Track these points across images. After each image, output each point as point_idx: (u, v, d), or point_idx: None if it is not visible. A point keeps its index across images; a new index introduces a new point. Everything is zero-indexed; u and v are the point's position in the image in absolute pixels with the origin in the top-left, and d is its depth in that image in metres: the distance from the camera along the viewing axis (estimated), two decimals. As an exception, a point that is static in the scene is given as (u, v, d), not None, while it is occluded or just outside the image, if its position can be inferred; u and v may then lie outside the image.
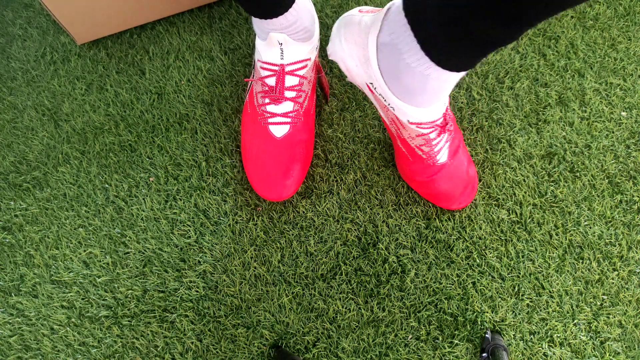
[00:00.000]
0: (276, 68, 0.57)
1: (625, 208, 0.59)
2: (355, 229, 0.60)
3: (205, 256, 0.60)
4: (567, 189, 0.60)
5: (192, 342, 0.56)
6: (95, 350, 0.57)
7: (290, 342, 0.56)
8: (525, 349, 0.54)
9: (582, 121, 0.64)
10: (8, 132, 0.69)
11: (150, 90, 0.70)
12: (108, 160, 0.66)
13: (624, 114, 0.64)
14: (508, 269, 0.57)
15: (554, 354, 0.54)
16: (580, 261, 0.57)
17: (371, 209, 0.61)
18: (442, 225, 0.59)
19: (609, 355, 0.54)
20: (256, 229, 0.60)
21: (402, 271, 0.58)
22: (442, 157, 0.55)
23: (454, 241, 0.59)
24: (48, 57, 0.74)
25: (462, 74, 0.42)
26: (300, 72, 0.58)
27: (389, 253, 0.59)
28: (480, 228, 0.59)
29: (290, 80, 0.57)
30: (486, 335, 0.53)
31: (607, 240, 0.58)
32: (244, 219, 0.61)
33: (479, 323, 0.55)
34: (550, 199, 0.60)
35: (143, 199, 0.63)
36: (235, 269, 0.59)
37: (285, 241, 0.60)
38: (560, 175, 0.61)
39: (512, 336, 0.55)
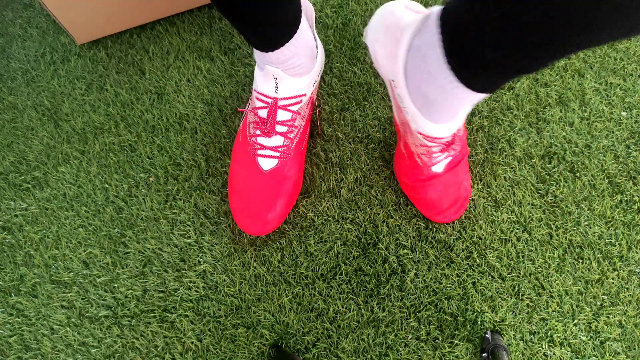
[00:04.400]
0: (269, 101, 0.56)
1: (625, 208, 0.59)
2: (355, 229, 0.60)
3: (205, 256, 0.60)
4: (567, 189, 0.60)
5: (192, 342, 0.56)
6: (95, 350, 0.57)
7: (290, 342, 0.56)
8: (525, 349, 0.54)
9: (582, 121, 0.64)
10: (8, 132, 0.69)
11: (150, 90, 0.70)
12: (108, 160, 0.66)
13: (624, 114, 0.64)
14: (508, 269, 0.57)
15: (554, 354, 0.54)
16: (580, 261, 0.57)
17: (371, 209, 0.61)
18: (442, 226, 0.59)
19: (609, 355, 0.54)
20: (256, 229, 0.60)
21: (402, 271, 0.58)
22: (438, 168, 0.55)
23: (454, 241, 0.59)
24: (48, 57, 0.74)
25: (484, 95, 0.40)
26: (294, 108, 0.57)
27: (389, 253, 0.59)
28: (481, 228, 0.59)
29: (282, 115, 0.57)
30: (486, 335, 0.53)
31: (607, 240, 0.58)
32: (244, 219, 0.61)
33: (479, 323, 0.55)
34: (550, 199, 0.60)
35: (143, 199, 0.63)
36: (235, 269, 0.59)
37: (285, 241, 0.60)
38: (560, 175, 0.61)
39: (512, 336, 0.55)
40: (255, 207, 0.57)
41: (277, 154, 0.57)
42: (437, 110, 0.45)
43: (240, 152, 0.59)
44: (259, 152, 0.57)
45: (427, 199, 0.57)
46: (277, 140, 0.57)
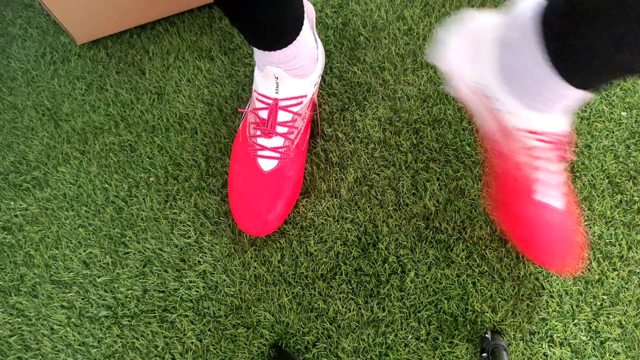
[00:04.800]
0: (270, 102, 0.56)
1: (625, 208, 0.59)
2: (355, 229, 0.60)
3: (205, 256, 0.60)
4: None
5: (192, 342, 0.56)
6: (95, 350, 0.57)
7: (290, 342, 0.56)
8: (525, 349, 0.54)
9: (582, 121, 0.64)
10: (8, 132, 0.69)
11: (150, 90, 0.70)
12: (108, 160, 0.66)
13: (624, 114, 0.64)
14: (508, 269, 0.57)
15: (554, 354, 0.54)
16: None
17: (371, 209, 0.61)
18: (442, 226, 0.59)
19: (609, 355, 0.54)
20: (256, 229, 0.60)
21: (402, 271, 0.58)
22: (556, 201, 0.48)
23: (454, 241, 0.59)
24: (48, 57, 0.74)
25: (582, 93, 0.39)
26: (294, 109, 0.57)
27: (389, 253, 0.59)
28: (481, 228, 0.59)
29: (283, 116, 0.56)
30: (486, 335, 0.53)
31: (607, 240, 0.58)
32: (244, 219, 0.61)
33: (479, 323, 0.55)
34: (550, 199, 0.60)
35: (143, 199, 0.63)
36: (235, 269, 0.59)
37: (285, 241, 0.60)
38: (560, 175, 0.61)
39: (512, 336, 0.55)
40: (255, 208, 0.56)
41: (277, 155, 0.57)
42: (539, 100, 0.41)
43: (240, 153, 0.59)
44: (259, 152, 0.57)
45: (538, 238, 0.48)
46: (278, 141, 0.57)
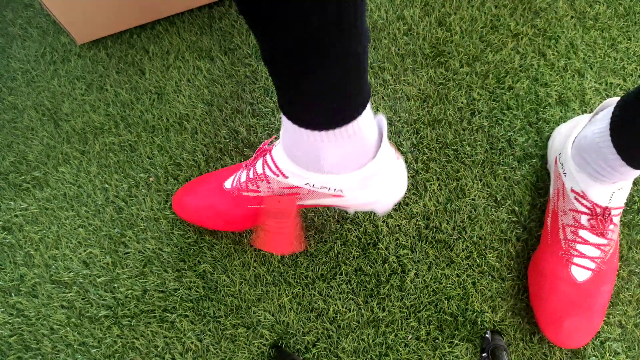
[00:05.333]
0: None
1: (625, 208, 0.59)
2: (355, 229, 0.60)
3: (205, 256, 0.60)
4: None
5: (192, 342, 0.56)
6: (95, 350, 0.57)
7: (290, 342, 0.56)
8: (525, 349, 0.54)
9: (582, 121, 0.64)
10: (8, 132, 0.69)
11: (150, 90, 0.70)
12: (108, 160, 0.66)
13: (624, 114, 0.64)
14: (508, 269, 0.57)
15: (554, 354, 0.54)
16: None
17: (371, 209, 0.61)
18: (442, 226, 0.59)
19: (609, 355, 0.54)
20: (256, 229, 0.60)
21: (402, 271, 0.58)
22: (580, 275, 0.49)
23: (454, 241, 0.59)
24: (48, 57, 0.74)
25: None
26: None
27: (389, 253, 0.59)
28: (481, 228, 0.59)
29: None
30: (486, 335, 0.53)
31: (607, 240, 0.58)
32: (244, 219, 0.61)
33: (479, 323, 0.55)
34: (550, 199, 0.60)
35: (143, 199, 0.63)
36: (235, 269, 0.59)
37: (285, 241, 0.60)
38: (560, 175, 0.61)
39: (512, 336, 0.55)
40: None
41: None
42: (595, 170, 0.48)
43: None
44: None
45: (549, 305, 0.50)
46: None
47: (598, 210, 0.49)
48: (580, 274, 0.50)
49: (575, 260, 0.50)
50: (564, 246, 0.51)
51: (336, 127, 0.36)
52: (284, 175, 0.46)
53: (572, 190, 0.51)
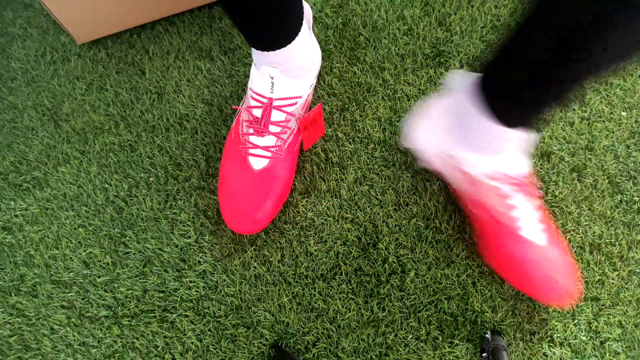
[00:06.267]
0: (264, 100, 0.56)
1: (625, 208, 0.59)
2: (355, 229, 0.60)
3: (205, 256, 0.60)
4: (567, 189, 0.60)
5: (192, 342, 0.56)
6: (95, 350, 0.57)
7: (290, 342, 0.56)
8: (525, 349, 0.54)
9: (582, 121, 0.64)
10: (8, 132, 0.69)
11: (150, 90, 0.70)
12: (108, 160, 0.66)
13: (624, 114, 0.64)
14: (508, 269, 0.57)
15: (554, 354, 0.54)
16: (580, 261, 0.57)
17: (371, 209, 0.61)
18: (442, 226, 0.59)
19: (609, 355, 0.54)
20: (256, 229, 0.60)
21: (402, 271, 0.58)
22: (539, 239, 0.51)
23: (454, 241, 0.59)
24: (48, 57, 0.74)
25: (524, 133, 0.47)
26: (288, 109, 0.57)
27: (389, 253, 0.59)
28: (480, 228, 0.59)
29: (276, 115, 0.56)
30: (486, 335, 0.53)
31: (607, 240, 0.58)
32: (244, 219, 0.61)
33: (479, 323, 0.55)
34: (550, 199, 0.60)
35: (143, 199, 0.63)
36: (235, 269, 0.59)
37: (285, 241, 0.60)
38: (560, 175, 0.61)
39: (512, 336, 0.55)
40: (244, 206, 0.56)
41: (269, 154, 0.57)
42: (490, 147, 0.50)
43: (231, 150, 0.59)
44: (251, 151, 0.57)
45: (535, 277, 0.50)
46: (270, 140, 0.57)
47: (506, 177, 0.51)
48: None
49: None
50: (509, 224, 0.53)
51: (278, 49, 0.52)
52: (298, 97, 0.58)
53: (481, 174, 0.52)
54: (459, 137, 0.52)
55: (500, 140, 0.48)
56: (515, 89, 0.42)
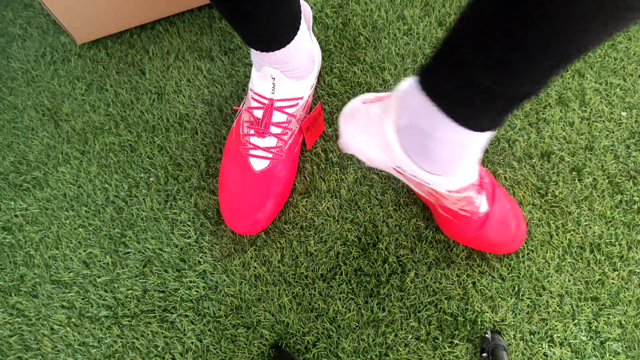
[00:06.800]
0: (265, 101, 0.56)
1: (625, 208, 0.59)
2: (355, 229, 0.60)
3: (206, 256, 0.60)
4: (567, 189, 0.60)
5: (192, 342, 0.56)
6: (95, 350, 0.57)
7: (290, 342, 0.56)
8: (525, 349, 0.54)
9: (582, 121, 0.64)
10: (8, 132, 0.69)
11: (150, 90, 0.70)
12: (108, 160, 0.66)
13: (624, 114, 0.64)
14: (508, 269, 0.57)
15: (554, 354, 0.54)
16: (580, 261, 0.57)
17: (371, 209, 0.61)
18: (442, 225, 0.59)
19: (609, 355, 0.54)
20: (256, 229, 0.60)
21: (402, 271, 0.58)
22: (483, 206, 0.53)
23: (454, 241, 0.59)
24: (48, 57, 0.74)
25: (487, 134, 0.42)
26: (290, 110, 0.57)
27: (389, 253, 0.59)
28: (480, 228, 0.59)
29: (277, 116, 0.56)
30: (486, 335, 0.53)
31: (607, 240, 0.58)
32: (244, 219, 0.61)
33: (479, 323, 0.55)
34: (550, 199, 0.60)
35: (143, 199, 0.63)
36: (235, 269, 0.59)
37: (285, 241, 0.60)
38: (560, 175, 0.61)
39: (512, 336, 0.55)
40: (244, 207, 0.56)
41: (270, 155, 0.57)
42: (452, 165, 0.45)
43: (232, 150, 0.59)
44: (251, 152, 0.57)
45: (493, 241, 0.54)
46: (271, 141, 0.57)
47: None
48: None
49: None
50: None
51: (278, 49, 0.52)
52: (299, 98, 0.58)
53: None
54: (416, 156, 0.45)
55: (460, 152, 0.43)
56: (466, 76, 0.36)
